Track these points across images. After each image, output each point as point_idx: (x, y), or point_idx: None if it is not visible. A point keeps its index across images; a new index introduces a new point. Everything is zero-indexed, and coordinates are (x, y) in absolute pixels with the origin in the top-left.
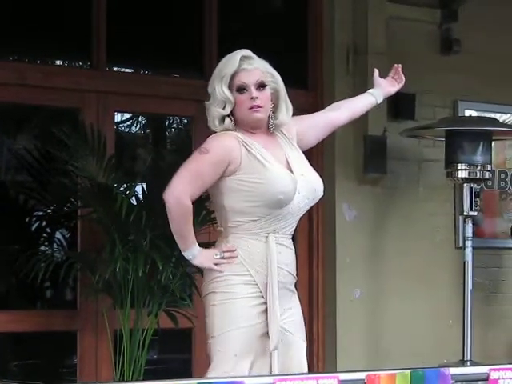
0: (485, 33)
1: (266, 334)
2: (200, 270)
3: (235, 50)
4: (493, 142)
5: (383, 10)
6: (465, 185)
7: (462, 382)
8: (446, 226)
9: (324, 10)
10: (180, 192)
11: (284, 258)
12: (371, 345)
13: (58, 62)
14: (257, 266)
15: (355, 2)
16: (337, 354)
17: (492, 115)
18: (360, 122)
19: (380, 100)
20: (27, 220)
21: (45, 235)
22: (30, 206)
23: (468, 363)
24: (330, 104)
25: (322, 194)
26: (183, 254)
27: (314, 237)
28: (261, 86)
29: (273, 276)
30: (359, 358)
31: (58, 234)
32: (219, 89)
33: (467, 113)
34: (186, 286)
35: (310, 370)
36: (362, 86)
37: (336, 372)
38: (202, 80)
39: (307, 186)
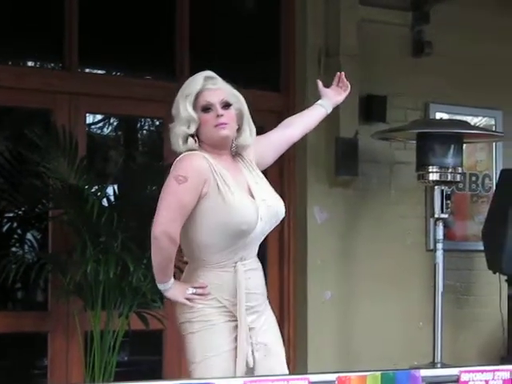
0: (456, 35)
1: (247, 354)
2: None
3: (207, 51)
4: (464, 145)
5: (355, 13)
6: (436, 187)
7: (432, 383)
8: (417, 228)
9: (296, 12)
10: (172, 230)
11: (254, 281)
12: (342, 347)
13: (30, 63)
14: (229, 297)
15: (327, 4)
16: (308, 356)
17: (463, 118)
18: (331, 125)
19: (329, 110)
20: None
21: (16, 236)
22: (0, 208)
23: (438, 365)
24: (301, 106)
25: (283, 215)
26: (158, 285)
27: (286, 239)
28: (226, 105)
29: (241, 306)
30: (330, 359)
31: (29, 236)
32: (183, 108)
33: (438, 115)
34: (157, 287)
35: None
36: None
37: (307, 373)
38: (174, 82)
39: (269, 211)
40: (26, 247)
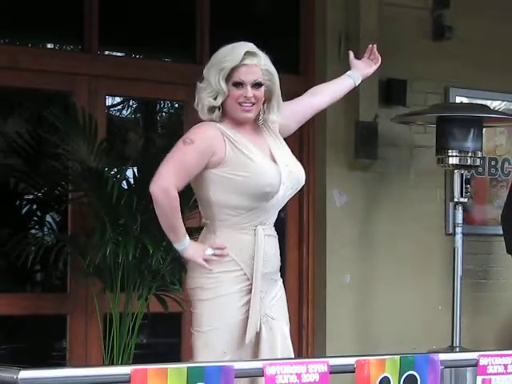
0: (477, 19)
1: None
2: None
3: (227, 34)
4: (483, 129)
5: None
6: (455, 171)
7: (451, 367)
8: (437, 212)
9: None
10: (167, 183)
11: (272, 248)
12: (361, 330)
13: (50, 45)
14: (247, 260)
15: None
16: (326, 340)
17: (483, 102)
18: (351, 108)
19: (358, 82)
20: (18, 203)
21: (35, 218)
22: (20, 190)
23: (457, 349)
24: None
25: (303, 183)
26: (174, 245)
27: (305, 222)
28: (257, 84)
29: (257, 270)
30: (349, 343)
31: (48, 218)
32: (215, 80)
33: (458, 99)
34: (176, 270)
35: (300, 355)
36: None
37: (326, 357)
38: (193, 65)
39: (291, 176)
40: (46, 229)
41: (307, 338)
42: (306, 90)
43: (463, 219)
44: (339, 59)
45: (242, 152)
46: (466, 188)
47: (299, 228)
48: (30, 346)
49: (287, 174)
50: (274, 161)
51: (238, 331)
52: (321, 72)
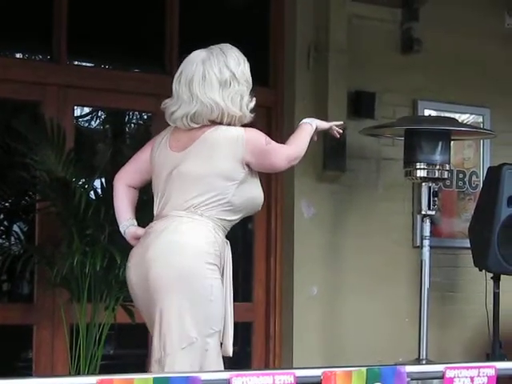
0: (445, 33)
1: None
2: None
3: (196, 45)
4: (451, 142)
5: (345, 8)
6: (423, 184)
7: (417, 380)
8: (404, 224)
9: (286, 7)
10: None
11: None
12: (328, 342)
13: (18, 55)
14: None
15: (317, 0)
16: (293, 351)
17: (451, 115)
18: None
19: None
20: None
21: (2, 228)
22: None
23: (424, 361)
24: (290, 101)
25: None
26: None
27: (272, 233)
28: None
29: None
30: (316, 355)
31: (15, 227)
32: (250, 79)
33: (427, 112)
34: None
35: (267, 367)
36: (323, 82)
37: (292, 368)
38: (162, 75)
39: None
40: (13, 239)
41: (274, 350)
42: (275, 102)
43: (431, 232)
44: (308, 71)
45: None
46: (434, 201)
47: (267, 239)
48: None
49: None
50: None
51: None
52: (290, 84)
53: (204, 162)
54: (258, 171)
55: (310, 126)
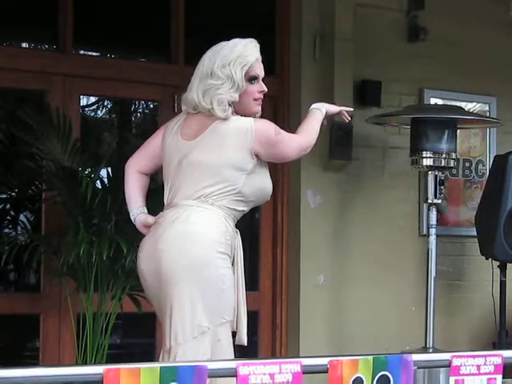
0: (451, 21)
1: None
2: None
3: (202, 35)
4: (458, 131)
5: None
6: (429, 172)
7: (424, 368)
8: (411, 213)
9: None
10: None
11: None
12: (334, 330)
13: (24, 45)
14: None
15: None
16: (300, 340)
17: (457, 103)
18: None
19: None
20: None
21: (9, 218)
22: None
23: (430, 350)
24: (296, 90)
25: None
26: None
27: (279, 223)
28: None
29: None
30: (322, 343)
31: (22, 217)
32: (238, 76)
33: (433, 101)
34: None
35: (274, 355)
36: (329, 71)
37: (299, 357)
38: (168, 65)
39: None
40: (19, 229)
41: (281, 339)
42: (281, 91)
43: (437, 220)
44: (314, 60)
45: None
46: (440, 189)
47: (273, 229)
48: (3, 346)
49: None
50: None
51: None
52: (296, 73)
53: (214, 152)
54: (267, 161)
55: (319, 113)
